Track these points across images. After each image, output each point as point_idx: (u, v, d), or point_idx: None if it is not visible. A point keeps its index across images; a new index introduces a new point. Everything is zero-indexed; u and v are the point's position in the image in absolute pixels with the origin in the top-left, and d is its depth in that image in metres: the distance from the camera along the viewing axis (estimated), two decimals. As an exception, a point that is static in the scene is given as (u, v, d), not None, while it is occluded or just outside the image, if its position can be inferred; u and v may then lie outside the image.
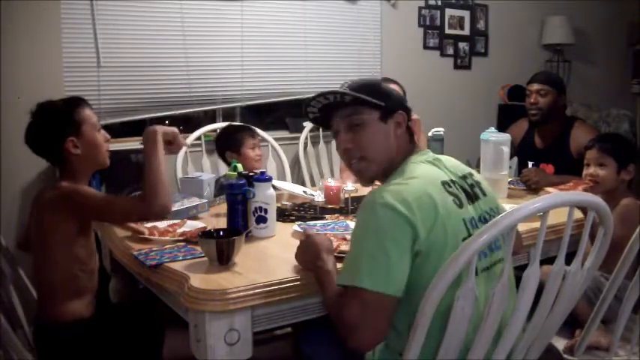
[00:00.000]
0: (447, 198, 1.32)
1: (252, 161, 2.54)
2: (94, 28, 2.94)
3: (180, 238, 1.79)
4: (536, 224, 1.27)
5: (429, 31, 4.11)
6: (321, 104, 1.47)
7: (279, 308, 1.45)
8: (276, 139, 3.17)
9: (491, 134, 2.44)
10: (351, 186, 2.25)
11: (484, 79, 4.38)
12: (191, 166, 2.94)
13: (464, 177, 1.43)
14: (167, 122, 3.22)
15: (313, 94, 1.48)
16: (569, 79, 4.58)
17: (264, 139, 3.03)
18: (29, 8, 2.76)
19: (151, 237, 1.80)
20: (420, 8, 4.05)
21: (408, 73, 3.51)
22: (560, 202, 1.21)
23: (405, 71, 3.51)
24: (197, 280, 1.42)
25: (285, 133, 3.61)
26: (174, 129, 1.81)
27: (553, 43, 4.60)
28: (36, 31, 2.80)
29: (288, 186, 2.49)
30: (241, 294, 1.36)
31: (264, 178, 1.85)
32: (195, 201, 2.08)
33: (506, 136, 2.45)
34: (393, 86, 1.75)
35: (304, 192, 2.39)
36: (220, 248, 1.51)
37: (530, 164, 2.64)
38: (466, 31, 4.29)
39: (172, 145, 1.82)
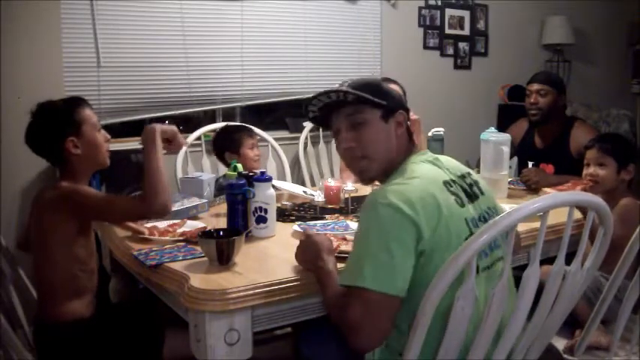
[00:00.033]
0: (449, 198, 1.32)
1: (251, 161, 2.54)
2: (94, 28, 2.94)
3: (180, 238, 1.79)
4: (536, 224, 1.27)
5: (429, 31, 4.11)
6: (323, 103, 1.47)
7: (279, 308, 1.45)
8: (276, 139, 3.17)
9: (491, 134, 2.44)
10: (351, 186, 2.25)
11: (484, 79, 4.38)
12: (191, 166, 2.94)
13: (462, 176, 1.43)
14: (167, 122, 3.21)
15: (314, 94, 1.47)
16: (569, 79, 4.58)
17: (264, 139, 3.04)
18: (29, 8, 2.77)
19: (151, 237, 1.80)
20: (420, 8, 4.05)
21: (408, 73, 3.51)
22: (560, 202, 1.21)
23: (405, 71, 3.51)
24: (197, 280, 1.42)
25: (285, 133, 3.62)
26: (174, 127, 1.81)
27: (553, 43, 4.60)
28: (36, 31, 2.80)
29: (288, 186, 2.49)
30: (241, 294, 1.36)
31: (264, 178, 1.85)
32: (195, 201, 2.08)
33: (506, 136, 2.45)
34: (393, 86, 1.75)
35: (304, 192, 2.39)
36: (220, 248, 1.51)
37: (530, 164, 2.64)
38: (466, 31, 4.29)
39: (172, 144, 1.82)
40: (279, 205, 2.10)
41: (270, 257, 1.71)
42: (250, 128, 2.78)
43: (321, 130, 3.50)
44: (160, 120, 3.16)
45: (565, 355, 1.75)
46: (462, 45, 4.28)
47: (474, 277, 1.16)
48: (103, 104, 2.99)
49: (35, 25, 2.79)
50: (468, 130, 3.32)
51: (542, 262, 1.23)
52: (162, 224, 1.89)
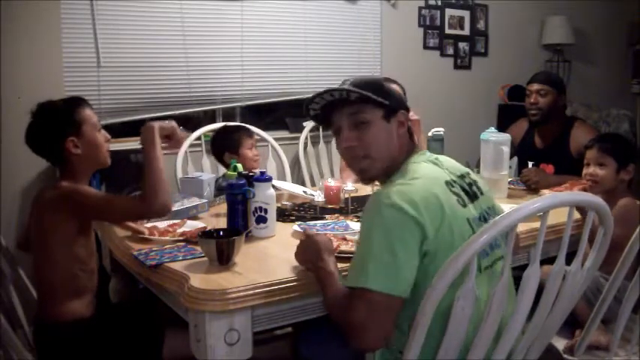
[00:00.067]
0: (451, 198, 1.32)
1: (250, 161, 2.53)
2: (94, 28, 2.94)
3: (180, 238, 1.79)
4: (536, 224, 1.27)
5: (429, 31, 4.11)
6: (325, 101, 1.45)
7: (279, 308, 1.45)
8: (276, 139, 3.17)
9: (491, 134, 2.44)
10: (351, 186, 2.25)
11: (484, 79, 4.38)
12: (191, 166, 2.94)
13: (462, 176, 1.43)
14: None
15: (315, 93, 1.45)
16: (569, 79, 4.58)
17: (264, 139, 3.04)
18: (29, 8, 2.77)
19: (151, 237, 1.80)
20: (420, 8, 4.05)
21: (408, 73, 3.51)
22: (560, 202, 1.21)
23: (405, 71, 3.51)
24: (197, 280, 1.42)
25: (285, 133, 3.62)
26: (172, 123, 1.81)
27: (553, 43, 4.60)
28: (36, 31, 2.80)
29: (288, 186, 2.49)
30: (241, 294, 1.36)
31: (264, 178, 1.85)
32: (195, 201, 2.08)
33: (506, 136, 2.45)
34: (393, 86, 1.75)
35: (304, 192, 2.39)
36: (220, 248, 1.51)
37: (530, 164, 2.64)
38: (466, 31, 4.29)
39: (172, 140, 1.81)
40: (279, 205, 2.10)
41: (270, 257, 1.71)
42: (249, 128, 2.78)
43: (321, 130, 3.50)
44: (160, 120, 3.16)
45: (565, 355, 1.75)
46: (462, 45, 4.28)
47: (474, 277, 1.16)
48: (103, 104, 2.99)
49: (35, 25, 2.79)
50: (468, 130, 3.32)
51: (542, 262, 1.23)
52: (162, 224, 1.89)
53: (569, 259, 1.28)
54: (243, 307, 1.37)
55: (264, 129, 3.16)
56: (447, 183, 1.36)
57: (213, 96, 3.36)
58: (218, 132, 2.73)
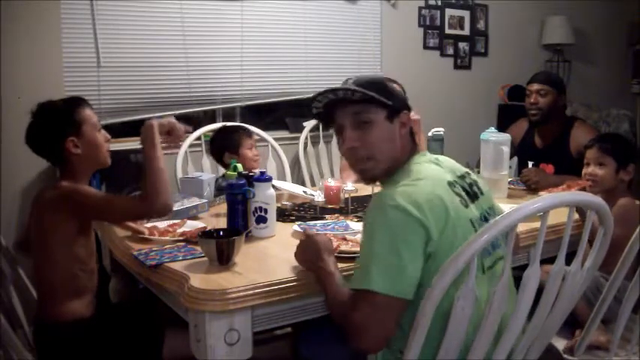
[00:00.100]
0: (454, 198, 1.32)
1: (250, 161, 2.53)
2: (94, 28, 2.94)
3: (180, 238, 1.79)
4: (536, 224, 1.27)
5: (429, 31, 4.11)
6: (328, 99, 1.44)
7: (279, 308, 1.45)
8: (276, 139, 3.16)
9: (491, 134, 2.44)
10: (351, 186, 2.24)
11: (484, 79, 4.38)
12: (191, 166, 2.94)
13: (462, 176, 1.43)
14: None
15: (319, 91, 1.43)
16: (569, 79, 4.58)
17: (264, 139, 3.04)
18: (29, 8, 2.77)
19: (151, 237, 1.80)
20: (420, 8, 4.05)
21: (408, 73, 3.50)
22: (560, 203, 1.21)
23: (405, 71, 3.51)
24: (197, 280, 1.42)
25: (285, 133, 3.62)
26: (171, 119, 1.80)
27: (553, 43, 4.60)
28: (36, 31, 2.80)
29: (288, 186, 2.49)
30: (241, 294, 1.36)
31: (264, 178, 1.85)
32: (195, 201, 2.08)
33: (506, 136, 2.45)
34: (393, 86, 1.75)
35: (304, 192, 2.39)
36: (220, 248, 1.51)
37: (530, 164, 2.64)
38: (466, 31, 4.29)
39: (172, 136, 1.81)
40: (279, 205, 2.10)
41: (270, 257, 1.71)
42: (248, 128, 2.78)
43: (321, 130, 3.50)
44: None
45: (565, 355, 1.75)
46: (462, 45, 4.28)
47: (475, 277, 1.16)
48: (103, 104, 2.99)
49: (35, 25, 2.79)
50: (468, 130, 3.32)
51: (542, 262, 1.23)
52: (162, 224, 1.89)
53: (569, 259, 1.28)
54: (243, 307, 1.37)
55: (264, 129, 3.16)
56: (449, 183, 1.35)
57: (213, 96, 3.36)
58: (217, 132, 2.73)
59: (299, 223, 1.96)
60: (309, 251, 1.47)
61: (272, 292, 1.40)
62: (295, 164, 3.44)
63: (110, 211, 1.72)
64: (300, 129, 3.49)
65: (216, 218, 2.06)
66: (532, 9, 4.53)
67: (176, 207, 1.96)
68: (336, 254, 1.49)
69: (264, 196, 1.83)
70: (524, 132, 2.98)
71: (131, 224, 1.85)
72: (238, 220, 1.80)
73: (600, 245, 1.35)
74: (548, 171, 2.56)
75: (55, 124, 1.70)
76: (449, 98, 4.17)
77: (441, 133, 2.47)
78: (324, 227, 1.90)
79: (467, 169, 1.49)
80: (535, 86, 2.82)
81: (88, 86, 2.94)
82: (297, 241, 1.53)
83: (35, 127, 1.71)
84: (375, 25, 3.88)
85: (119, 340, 1.70)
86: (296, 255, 1.51)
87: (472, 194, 1.40)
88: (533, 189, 2.50)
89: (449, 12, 4.17)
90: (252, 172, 1.98)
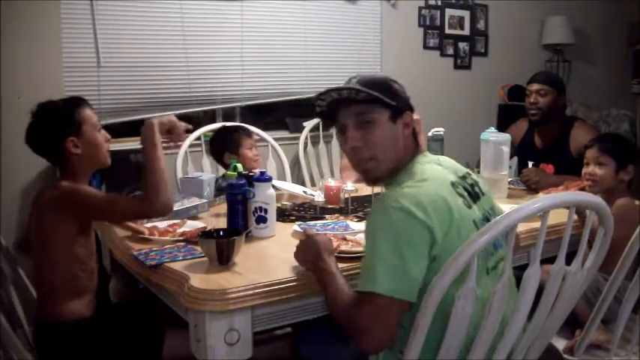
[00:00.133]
0: (457, 200, 1.32)
1: (250, 161, 2.53)
2: (94, 28, 2.94)
3: (180, 238, 1.79)
4: (536, 224, 1.27)
5: (429, 31, 4.11)
6: (332, 98, 1.42)
7: (279, 308, 1.45)
8: (276, 139, 3.17)
9: (491, 134, 2.44)
10: (351, 186, 2.24)
11: (484, 79, 4.38)
12: (191, 166, 2.94)
13: (464, 177, 1.43)
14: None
15: (321, 91, 1.43)
16: (569, 79, 4.58)
17: (263, 139, 3.04)
18: (29, 8, 2.76)
19: (151, 237, 1.80)
20: (420, 8, 4.05)
21: (408, 73, 3.50)
22: (560, 203, 1.21)
23: (405, 71, 3.50)
24: (197, 280, 1.42)
25: (285, 133, 3.61)
26: (171, 117, 1.80)
27: (553, 43, 4.60)
28: (36, 31, 2.80)
29: (288, 186, 2.48)
30: (241, 294, 1.36)
31: (264, 178, 1.85)
32: (195, 201, 2.08)
33: (506, 136, 2.45)
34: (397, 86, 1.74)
35: (304, 192, 2.39)
36: (220, 248, 1.51)
37: (530, 164, 2.64)
38: (466, 31, 4.29)
39: (173, 134, 1.81)
40: (279, 205, 2.10)
41: (270, 257, 1.71)
42: (248, 128, 2.78)
43: (321, 130, 3.50)
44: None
45: (565, 355, 1.75)
46: (462, 45, 4.28)
47: (475, 277, 1.16)
48: (103, 104, 2.99)
49: (35, 25, 2.79)
50: (468, 130, 3.32)
51: (542, 262, 1.22)
52: (162, 224, 1.89)
53: (569, 259, 1.28)
54: (243, 307, 1.37)
55: (264, 129, 3.16)
56: (452, 184, 1.35)
57: (213, 96, 3.36)
58: (217, 132, 2.73)
59: (299, 223, 1.96)
60: (309, 251, 1.46)
61: (272, 292, 1.40)
62: (295, 164, 3.44)
63: (110, 211, 1.71)
64: (300, 129, 3.49)
65: (216, 218, 2.06)
66: (532, 9, 4.53)
67: (176, 207, 1.96)
68: (336, 254, 1.49)
69: (264, 196, 1.83)
70: (524, 132, 2.98)
71: (131, 224, 1.85)
72: (238, 220, 1.80)
73: (600, 245, 1.35)
74: (548, 171, 2.56)
75: (55, 124, 1.70)
76: (449, 98, 4.17)
77: (441, 133, 2.47)
78: (324, 227, 1.90)
79: (467, 170, 1.48)
80: (535, 86, 2.82)
81: (88, 86, 2.94)
82: (297, 241, 1.53)
83: (35, 127, 1.71)
84: (375, 25, 3.88)
85: (119, 340, 1.70)
86: (296, 255, 1.51)
87: (474, 195, 1.40)
88: (533, 189, 2.50)
89: (449, 12, 4.17)
90: (252, 172, 1.98)
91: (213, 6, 3.29)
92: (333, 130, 3.55)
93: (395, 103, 1.40)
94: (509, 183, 2.53)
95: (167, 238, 1.79)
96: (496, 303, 1.18)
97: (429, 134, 2.48)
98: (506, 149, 2.39)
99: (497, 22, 4.40)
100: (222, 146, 2.60)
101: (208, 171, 2.89)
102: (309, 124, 3.47)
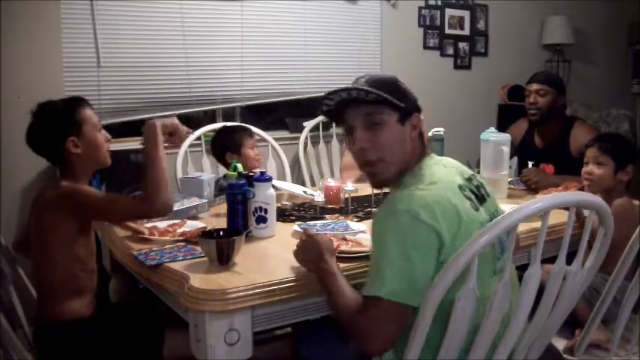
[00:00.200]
0: (465, 202, 1.31)
1: (252, 161, 2.54)
2: (94, 28, 2.94)
3: (180, 238, 1.79)
4: (536, 224, 1.26)
5: (429, 31, 4.11)
6: (340, 98, 1.40)
7: (279, 308, 1.45)
8: (276, 139, 3.17)
9: (491, 134, 2.44)
10: (351, 186, 2.24)
11: (484, 79, 4.37)
12: (191, 166, 2.94)
13: (469, 179, 1.41)
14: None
15: (329, 90, 1.40)
16: (569, 79, 4.58)
17: (264, 139, 3.04)
18: (29, 8, 2.76)
19: (151, 237, 1.80)
20: (420, 8, 4.04)
21: (408, 73, 3.45)
22: (560, 203, 1.21)
23: (405, 71, 3.46)
24: (197, 280, 1.42)
25: (285, 133, 3.61)
26: (173, 120, 1.80)
27: (553, 43, 4.60)
28: (36, 31, 2.80)
29: (288, 186, 2.48)
30: (241, 294, 1.36)
31: (264, 178, 1.85)
32: (195, 201, 2.08)
33: (506, 136, 2.45)
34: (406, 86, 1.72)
35: (304, 192, 2.39)
36: (220, 248, 1.51)
37: (530, 164, 2.64)
38: (466, 31, 4.28)
39: (174, 137, 1.81)
40: (279, 205, 2.09)
41: (270, 257, 1.71)
42: (249, 128, 2.78)
43: (321, 130, 3.50)
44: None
45: (565, 355, 1.75)
46: (462, 45, 4.28)
47: (475, 277, 1.16)
48: (103, 104, 2.99)
49: (35, 25, 2.79)
50: (468, 130, 3.31)
51: (542, 262, 1.22)
52: (162, 224, 1.89)
53: (569, 259, 1.28)
54: (243, 307, 1.37)
55: (264, 129, 3.16)
56: (460, 187, 1.34)
57: (213, 96, 3.36)
58: (219, 132, 2.73)
59: (299, 223, 1.96)
60: (310, 251, 1.46)
61: (272, 292, 1.40)
62: (295, 164, 3.44)
63: (110, 211, 1.71)
64: (300, 129, 3.49)
65: (216, 218, 2.06)
66: (532, 9, 4.53)
67: (176, 207, 1.96)
68: (336, 254, 1.49)
69: (264, 196, 1.83)
70: (524, 132, 2.98)
71: (131, 224, 1.85)
72: (238, 220, 1.80)
73: (600, 245, 1.35)
74: (548, 171, 2.56)
75: (56, 124, 1.70)
76: (449, 98, 4.17)
77: (441, 133, 2.47)
78: (324, 227, 1.90)
79: (472, 172, 1.47)
80: (534, 86, 2.82)
81: (88, 86, 2.94)
82: (297, 241, 1.52)
83: (35, 127, 1.71)
84: (375, 25, 3.88)
85: (119, 340, 1.70)
86: (296, 255, 1.50)
87: (480, 197, 1.39)
88: (533, 189, 2.50)
89: (449, 12, 4.17)
90: (254, 171, 1.98)
91: (213, 6, 3.29)
92: (333, 130, 3.56)
93: (404, 104, 1.39)
94: (509, 183, 2.52)
95: (167, 238, 1.79)
96: (497, 302, 1.18)
97: (429, 134, 2.48)
98: (506, 149, 2.39)
99: (497, 22, 4.40)
100: (224, 146, 2.60)
101: (208, 171, 2.89)
102: (309, 124, 3.47)
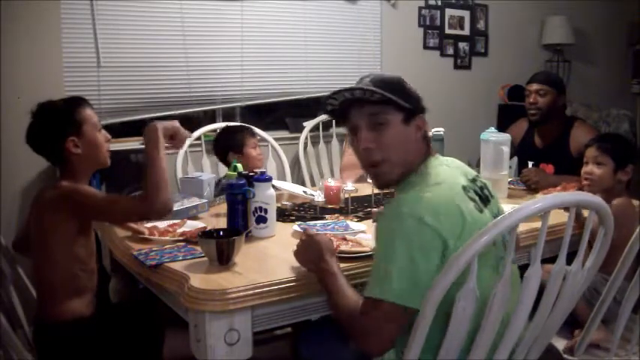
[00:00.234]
0: (469, 204, 1.30)
1: (255, 160, 2.54)
2: (94, 28, 2.94)
3: (180, 238, 1.79)
4: (536, 224, 1.26)
5: (429, 31, 4.11)
6: (345, 97, 1.39)
7: (279, 308, 1.45)
8: (276, 139, 3.17)
9: (491, 134, 2.44)
10: (351, 186, 2.24)
11: (484, 79, 4.37)
12: (191, 166, 2.94)
13: (473, 180, 1.41)
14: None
15: (334, 90, 1.40)
16: (569, 79, 4.58)
17: (264, 139, 3.04)
18: (29, 8, 2.77)
19: (151, 237, 1.80)
20: (420, 8, 4.05)
21: (408, 73, 3.43)
22: (560, 203, 1.21)
23: (405, 71, 3.44)
24: (197, 280, 1.42)
25: (285, 133, 3.61)
26: (175, 123, 1.80)
27: (553, 43, 4.60)
28: (36, 31, 2.80)
29: (288, 186, 2.49)
30: (241, 294, 1.36)
31: (264, 178, 1.85)
32: (195, 201, 2.08)
33: (506, 136, 2.45)
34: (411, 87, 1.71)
35: (304, 192, 2.39)
36: (220, 248, 1.51)
37: (530, 164, 2.64)
38: (466, 31, 4.29)
39: (175, 140, 1.81)
40: (279, 205, 2.09)
41: (270, 257, 1.71)
42: (251, 128, 2.78)
43: (321, 130, 3.50)
44: (161, 119, 3.16)
45: (565, 355, 1.75)
46: (462, 45, 4.28)
47: (475, 278, 1.15)
48: (103, 104, 2.99)
49: (35, 25, 2.79)
50: (468, 130, 3.32)
51: (542, 262, 1.22)
52: (162, 224, 1.89)
53: (569, 259, 1.28)
54: (243, 307, 1.37)
55: (264, 129, 3.16)
56: (464, 188, 1.33)
57: (213, 96, 3.36)
58: (221, 132, 2.73)
59: (299, 223, 1.96)
60: (310, 251, 1.45)
61: (272, 292, 1.40)
62: (295, 164, 3.44)
63: (110, 212, 1.71)
64: (300, 129, 3.49)
65: (216, 218, 2.06)
66: (532, 9, 4.53)
67: (176, 207, 1.96)
68: (336, 254, 1.49)
69: (264, 196, 1.83)
70: (524, 132, 2.98)
71: (131, 224, 1.85)
72: (238, 220, 1.80)
73: (601, 245, 1.35)
74: (548, 171, 2.56)
75: (56, 123, 1.70)
76: (449, 98, 4.17)
77: (441, 133, 2.47)
78: (324, 227, 1.90)
79: (475, 172, 1.47)
80: (534, 86, 2.82)
81: (88, 86, 2.94)
82: (297, 241, 1.52)
83: (35, 127, 1.71)
84: (375, 25, 3.88)
85: (119, 340, 1.70)
86: (296, 255, 1.50)
87: (484, 198, 1.38)
88: (533, 189, 2.50)
89: (449, 12, 4.17)
90: (255, 171, 1.98)
91: (213, 6, 3.29)
92: (333, 130, 3.56)
93: (409, 105, 1.38)
94: (509, 183, 2.53)
95: (167, 238, 1.79)
96: (497, 302, 1.18)
97: (429, 134, 2.48)
98: (506, 149, 2.39)
99: (497, 22, 4.40)
100: (227, 146, 2.60)
101: (208, 171, 2.89)
102: (309, 124, 3.47)
